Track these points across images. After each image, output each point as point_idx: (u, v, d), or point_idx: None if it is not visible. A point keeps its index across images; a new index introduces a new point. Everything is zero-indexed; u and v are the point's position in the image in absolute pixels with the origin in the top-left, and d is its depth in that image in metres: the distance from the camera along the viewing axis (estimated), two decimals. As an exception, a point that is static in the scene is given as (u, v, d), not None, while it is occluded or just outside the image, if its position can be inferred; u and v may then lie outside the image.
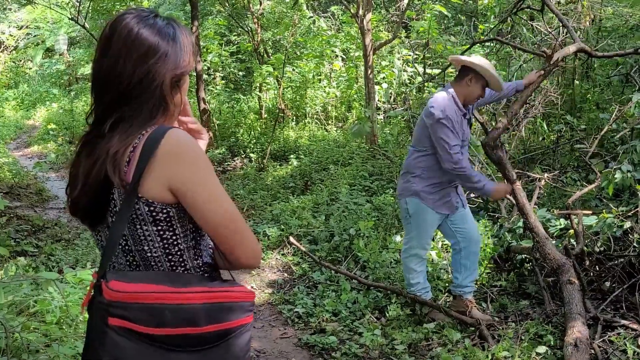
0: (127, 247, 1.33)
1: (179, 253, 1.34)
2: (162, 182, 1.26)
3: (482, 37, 5.81)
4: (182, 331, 1.25)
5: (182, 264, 1.36)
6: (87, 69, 15.85)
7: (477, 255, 3.70)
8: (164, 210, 1.29)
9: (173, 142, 1.26)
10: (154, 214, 1.29)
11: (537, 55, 4.25)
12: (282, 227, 5.54)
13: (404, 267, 3.78)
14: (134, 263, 1.34)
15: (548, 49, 3.83)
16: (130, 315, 1.22)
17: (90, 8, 11.07)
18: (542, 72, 3.69)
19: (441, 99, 3.45)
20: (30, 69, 18.94)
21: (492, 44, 7.35)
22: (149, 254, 1.32)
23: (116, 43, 1.30)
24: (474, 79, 3.44)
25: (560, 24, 4.38)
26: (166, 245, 1.32)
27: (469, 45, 5.51)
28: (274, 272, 4.88)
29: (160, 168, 1.26)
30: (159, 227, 1.30)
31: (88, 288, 1.29)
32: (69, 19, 10.29)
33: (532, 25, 6.14)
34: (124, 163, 1.26)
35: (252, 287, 4.60)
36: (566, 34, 4.44)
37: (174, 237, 1.33)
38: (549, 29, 4.87)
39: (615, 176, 3.66)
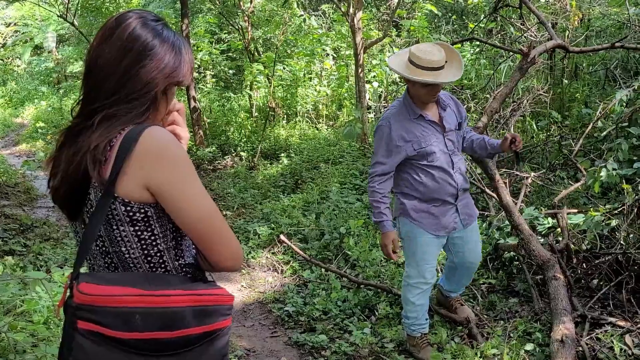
0: (104, 249, 1.31)
1: (158, 254, 1.32)
2: (139, 182, 1.24)
3: (472, 37, 5.82)
4: (153, 335, 1.22)
5: (163, 265, 1.33)
6: (76, 67, 15.75)
7: (471, 275, 3.46)
8: (142, 210, 1.26)
9: (150, 141, 1.24)
10: (131, 213, 1.26)
11: (515, 53, 4.29)
12: (273, 225, 5.53)
13: (402, 296, 3.34)
14: (112, 265, 1.32)
15: (525, 46, 3.87)
16: (99, 318, 1.19)
17: (79, 5, 11.00)
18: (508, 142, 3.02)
19: (393, 103, 3.12)
20: (18, 66, 18.80)
21: (477, 43, 7.39)
22: (126, 256, 1.30)
23: (119, 38, 1.29)
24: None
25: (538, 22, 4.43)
26: (144, 246, 1.30)
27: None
28: (264, 271, 4.88)
29: (137, 167, 1.23)
30: (136, 228, 1.28)
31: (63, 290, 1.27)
32: (58, 16, 10.22)
33: (518, 23, 6.18)
34: (103, 159, 1.24)
35: (242, 285, 4.60)
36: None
37: (153, 238, 1.30)
38: (528, 26, 4.91)
39: (601, 174, 3.69)
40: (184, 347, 1.25)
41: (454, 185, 3.07)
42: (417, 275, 3.19)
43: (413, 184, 3.08)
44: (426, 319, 3.32)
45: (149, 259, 1.31)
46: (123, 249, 1.30)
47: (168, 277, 1.33)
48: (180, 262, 1.36)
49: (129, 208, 1.26)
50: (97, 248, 1.32)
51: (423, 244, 3.15)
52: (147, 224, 1.28)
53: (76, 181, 1.28)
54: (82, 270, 1.28)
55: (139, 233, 1.29)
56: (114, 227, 1.27)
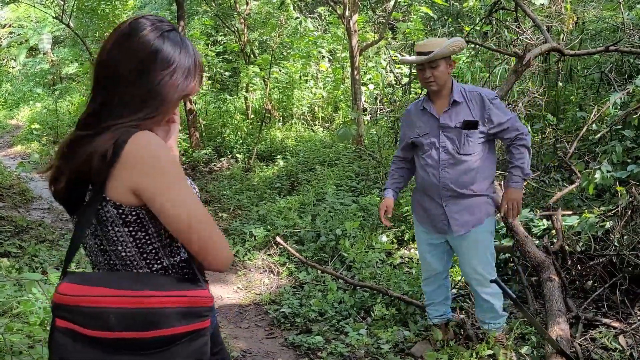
0: (102, 247, 1.34)
1: (153, 252, 1.34)
2: (127, 186, 1.26)
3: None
4: (128, 335, 1.24)
5: (159, 262, 1.35)
6: (71, 69, 15.72)
7: (477, 293, 3.18)
8: (133, 213, 1.29)
9: (136, 147, 1.25)
10: (123, 216, 1.29)
11: (510, 56, 4.31)
12: (269, 227, 5.54)
13: None
14: (111, 262, 1.35)
15: (520, 49, 3.89)
16: (74, 317, 1.24)
17: (74, 7, 10.99)
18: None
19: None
20: (13, 68, 18.74)
21: (472, 46, 7.42)
22: (123, 254, 1.32)
23: (138, 50, 1.29)
24: None
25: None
26: (139, 245, 1.32)
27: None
28: (260, 273, 4.88)
29: (124, 172, 1.25)
30: (130, 228, 1.30)
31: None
32: (53, 17, 10.19)
33: (513, 26, 6.22)
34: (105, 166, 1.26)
35: (238, 287, 4.60)
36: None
37: (147, 237, 1.32)
38: (523, 29, 4.94)
39: (595, 176, 3.71)
40: (159, 347, 1.27)
41: (436, 182, 3.02)
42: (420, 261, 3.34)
43: (415, 172, 3.20)
44: (433, 311, 3.35)
45: (145, 256, 1.34)
46: (119, 247, 1.32)
47: (158, 277, 1.35)
48: (175, 258, 1.38)
49: (120, 211, 1.28)
50: (96, 246, 1.35)
51: (417, 236, 3.28)
52: (140, 225, 1.31)
53: (80, 185, 1.30)
54: (87, 268, 1.31)
55: (134, 233, 1.31)
56: (109, 227, 1.30)
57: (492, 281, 3.08)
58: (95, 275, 1.34)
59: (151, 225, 1.32)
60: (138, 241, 1.32)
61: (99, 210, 1.28)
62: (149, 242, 1.33)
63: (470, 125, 2.95)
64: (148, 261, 1.34)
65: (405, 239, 4.96)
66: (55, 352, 1.26)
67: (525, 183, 3.12)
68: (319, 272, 4.51)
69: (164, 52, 1.31)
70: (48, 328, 2.95)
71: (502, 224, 4.10)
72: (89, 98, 1.35)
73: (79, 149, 1.29)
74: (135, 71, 1.29)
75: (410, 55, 2.99)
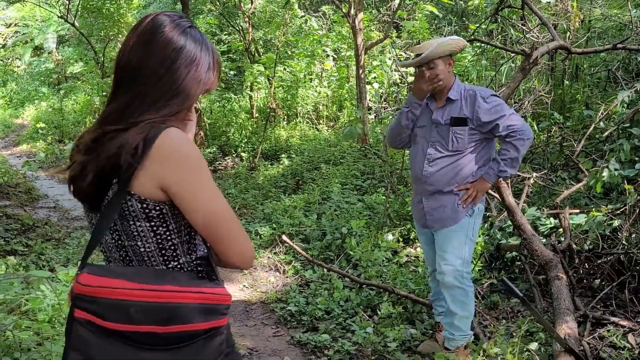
0: (120, 243, 1.33)
1: (172, 247, 1.34)
2: (154, 181, 1.26)
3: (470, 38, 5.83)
4: (149, 329, 1.24)
5: (175, 259, 1.35)
6: (76, 68, 15.75)
7: (446, 294, 3.14)
8: (157, 208, 1.29)
9: (166, 142, 1.26)
10: (147, 210, 1.28)
11: (517, 54, 4.28)
12: (274, 226, 5.54)
13: None
14: (127, 258, 1.34)
15: (527, 47, 3.88)
16: (96, 309, 1.23)
17: (79, 6, 11.02)
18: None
19: None
20: (18, 67, 18.82)
21: (478, 44, 7.40)
22: (142, 249, 1.32)
23: (164, 47, 1.31)
24: None
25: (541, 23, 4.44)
26: (159, 241, 1.32)
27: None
28: (266, 271, 4.88)
29: (153, 167, 1.25)
30: (152, 223, 1.30)
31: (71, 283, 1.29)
32: (58, 17, 10.23)
33: (520, 24, 6.21)
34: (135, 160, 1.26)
35: (244, 285, 4.60)
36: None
37: (168, 233, 1.32)
38: (530, 27, 4.92)
39: (603, 174, 3.70)
40: (180, 343, 1.27)
41: (419, 175, 3.10)
42: None
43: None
44: (438, 307, 3.39)
45: (163, 252, 1.34)
46: (139, 243, 1.32)
47: (176, 274, 1.35)
48: (192, 256, 1.38)
49: (144, 205, 1.28)
50: (113, 242, 1.35)
51: (416, 229, 3.40)
52: (162, 220, 1.31)
53: (104, 180, 1.29)
54: (100, 262, 1.30)
55: (155, 228, 1.31)
56: (131, 222, 1.30)
57: (499, 280, 3.08)
58: (115, 268, 1.34)
59: (172, 221, 1.32)
60: (158, 237, 1.32)
61: (122, 204, 1.28)
62: (168, 237, 1.33)
63: (458, 122, 2.99)
64: (166, 257, 1.34)
65: (411, 237, 4.96)
66: (75, 345, 1.25)
67: (500, 179, 3.21)
68: (325, 270, 4.51)
69: (187, 48, 1.33)
70: (56, 326, 2.97)
71: (509, 222, 4.09)
72: (110, 96, 1.34)
73: (106, 144, 1.28)
74: (160, 68, 1.30)
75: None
